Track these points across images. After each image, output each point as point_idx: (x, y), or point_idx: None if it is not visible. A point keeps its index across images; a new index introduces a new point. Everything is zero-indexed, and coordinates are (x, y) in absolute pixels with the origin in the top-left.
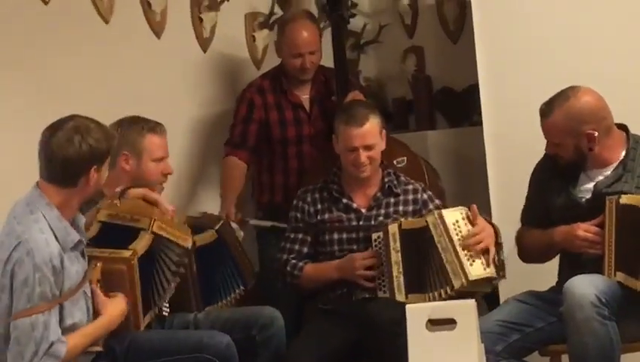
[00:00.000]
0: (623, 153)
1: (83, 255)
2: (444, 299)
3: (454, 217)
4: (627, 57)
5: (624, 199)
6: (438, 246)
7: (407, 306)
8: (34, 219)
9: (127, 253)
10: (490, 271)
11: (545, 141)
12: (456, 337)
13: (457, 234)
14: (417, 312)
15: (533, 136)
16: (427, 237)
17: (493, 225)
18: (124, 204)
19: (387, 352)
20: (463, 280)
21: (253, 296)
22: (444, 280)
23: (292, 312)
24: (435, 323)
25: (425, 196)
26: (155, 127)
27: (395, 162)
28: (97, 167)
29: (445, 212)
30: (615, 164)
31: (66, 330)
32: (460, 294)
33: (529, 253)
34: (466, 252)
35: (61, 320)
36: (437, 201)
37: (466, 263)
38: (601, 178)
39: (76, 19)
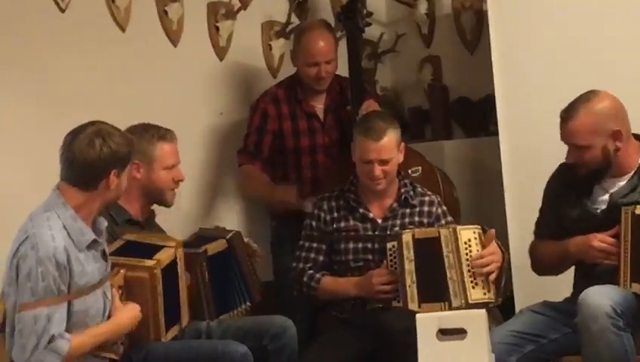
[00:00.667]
0: (639, 162)
1: (105, 257)
2: (457, 308)
3: (467, 236)
4: None
5: (639, 209)
6: (446, 261)
7: (417, 316)
8: (46, 217)
9: (151, 262)
10: (489, 297)
11: (562, 150)
12: (467, 347)
13: (466, 254)
14: (427, 322)
15: (550, 146)
16: (435, 248)
17: (502, 251)
18: (156, 234)
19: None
20: (462, 301)
21: (267, 304)
22: (444, 295)
23: (306, 321)
24: (445, 333)
25: (440, 211)
26: (166, 135)
27: (410, 171)
28: (118, 171)
29: (460, 228)
30: (630, 174)
31: (80, 329)
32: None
33: (543, 265)
34: (470, 273)
35: (75, 316)
36: (449, 218)
37: (469, 285)
38: (615, 188)
39: (93, 27)
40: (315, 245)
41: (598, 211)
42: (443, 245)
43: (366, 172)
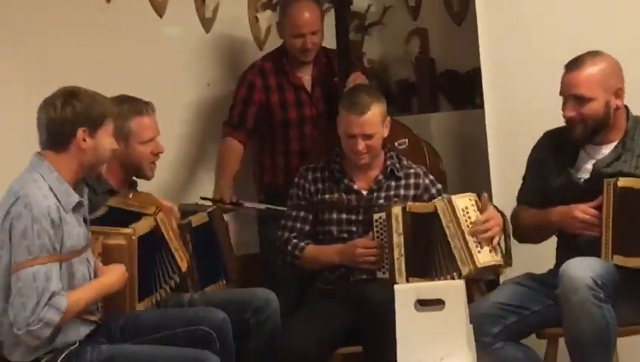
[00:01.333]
0: (624, 131)
1: (86, 223)
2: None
3: (463, 203)
4: (632, 42)
5: (622, 182)
6: (447, 231)
7: (396, 286)
8: (32, 178)
9: (128, 230)
10: (498, 259)
11: (547, 123)
12: (445, 317)
13: (466, 221)
14: (406, 292)
15: (535, 118)
16: (435, 223)
17: (502, 213)
18: (136, 197)
19: (379, 333)
20: (471, 266)
21: (253, 277)
22: (452, 266)
23: (293, 294)
24: (423, 304)
25: (427, 181)
26: (142, 109)
27: (396, 144)
28: (87, 130)
29: (455, 198)
30: (615, 143)
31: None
32: (467, 281)
33: (524, 233)
34: (474, 239)
35: (66, 279)
36: (438, 186)
37: (474, 250)
38: (600, 157)
39: None
40: (301, 214)
41: (582, 180)
42: (441, 217)
43: (350, 146)
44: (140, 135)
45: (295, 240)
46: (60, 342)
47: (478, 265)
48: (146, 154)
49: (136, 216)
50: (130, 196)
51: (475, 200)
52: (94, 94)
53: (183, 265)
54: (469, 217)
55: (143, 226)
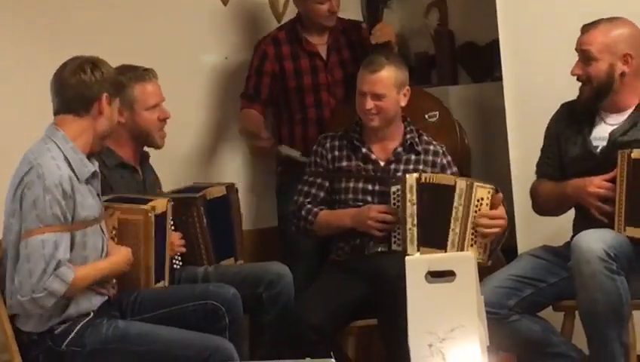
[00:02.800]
0: (639, 99)
1: (99, 196)
2: None
3: (482, 194)
4: None
5: (636, 153)
6: (454, 212)
7: (407, 258)
8: (47, 148)
9: (146, 206)
10: (482, 258)
11: (565, 94)
12: (456, 289)
13: (475, 212)
14: (417, 264)
15: (553, 90)
16: (450, 197)
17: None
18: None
19: (392, 306)
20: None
21: (269, 250)
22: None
23: (311, 267)
24: (434, 275)
25: (445, 161)
26: (144, 75)
27: (426, 116)
28: (109, 95)
29: (477, 184)
30: (631, 110)
31: (78, 261)
32: None
33: (543, 206)
34: (473, 231)
35: (76, 249)
36: (454, 168)
37: (468, 243)
38: (616, 124)
39: None
40: (318, 181)
41: (598, 150)
42: (456, 196)
43: (360, 104)
44: (145, 101)
45: (309, 206)
46: (73, 311)
47: None
48: (152, 121)
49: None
50: None
51: (493, 195)
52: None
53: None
54: (479, 210)
55: (160, 204)
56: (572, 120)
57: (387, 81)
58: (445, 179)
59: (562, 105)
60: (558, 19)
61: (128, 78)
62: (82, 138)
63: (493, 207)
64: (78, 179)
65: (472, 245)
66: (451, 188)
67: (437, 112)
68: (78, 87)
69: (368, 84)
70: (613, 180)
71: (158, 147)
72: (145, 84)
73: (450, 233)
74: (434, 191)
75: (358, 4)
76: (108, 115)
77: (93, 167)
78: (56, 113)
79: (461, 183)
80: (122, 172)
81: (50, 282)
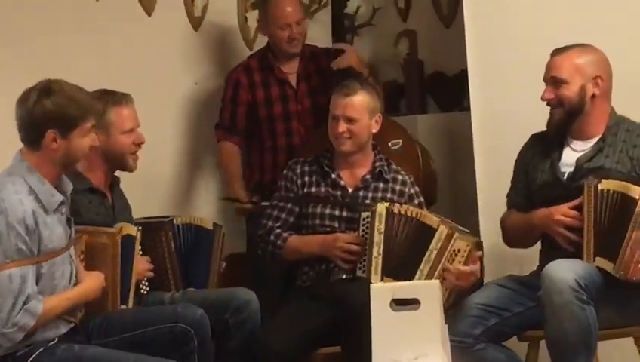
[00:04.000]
0: (606, 126)
1: (69, 223)
2: None
3: (460, 246)
4: (622, 45)
5: (603, 184)
6: (427, 254)
7: (372, 285)
8: (11, 181)
9: (112, 229)
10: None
11: (533, 126)
12: (420, 317)
13: (447, 261)
14: (382, 291)
15: (521, 121)
16: (428, 237)
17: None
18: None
19: (357, 334)
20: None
21: (238, 276)
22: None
23: (278, 293)
24: (399, 303)
25: (412, 191)
26: (121, 99)
27: (390, 144)
28: (57, 131)
29: (458, 237)
30: (597, 138)
31: (47, 292)
32: None
33: (512, 238)
34: (440, 279)
35: (44, 279)
36: (421, 199)
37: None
38: (583, 152)
39: None
40: (287, 206)
41: (565, 176)
42: (434, 239)
43: (332, 128)
44: (120, 125)
45: (278, 230)
46: (39, 338)
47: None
48: (127, 145)
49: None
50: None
51: (471, 250)
52: (74, 93)
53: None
54: (453, 260)
55: (126, 228)
56: (541, 148)
57: (360, 105)
58: (428, 219)
59: (532, 136)
60: (527, 51)
61: (105, 101)
62: (44, 168)
63: (467, 262)
64: (46, 210)
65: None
66: (432, 231)
67: (400, 140)
68: (22, 124)
69: (341, 107)
70: (578, 208)
71: (130, 170)
72: (121, 108)
73: (418, 273)
74: (413, 227)
75: (328, 32)
76: (62, 148)
77: (61, 196)
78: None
79: (443, 229)
80: (91, 197)
81: (20, 317)
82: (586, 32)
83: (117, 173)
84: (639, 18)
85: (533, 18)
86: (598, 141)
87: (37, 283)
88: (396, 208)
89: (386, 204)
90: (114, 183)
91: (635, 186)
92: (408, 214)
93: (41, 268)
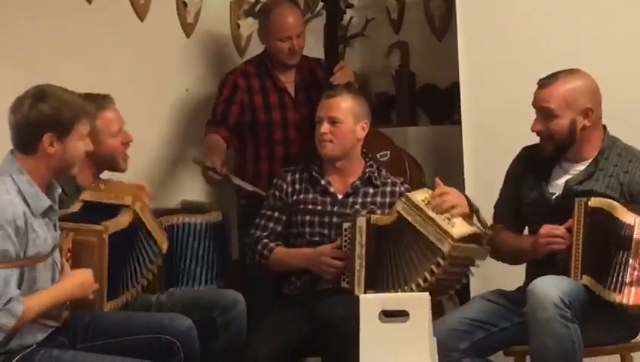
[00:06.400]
0: (599, 150)
1: (55, 227)
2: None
3: (422, 196)
4: (611, 61)
5: (593, 202)
6: (416, 225)
7: (361, 296)
8: (2, 180)
9: (99, 227)
10: (473, 229)
11: (524, 140)
12: (409, 329)
13: (428, 206)
14: (371, 303)
15: (512, 136)
16: (401, 229)
17: (465, 195)
18: (111, 186)
19: (335, 349)
20: (449, 240)
21: (232, 283)
22: (411, 276)
23: (270, 302)
24: (388, 315)
25: (402, 189)
26: (103, 103)
27: (378, 156)
28: (54, 135)
29: (410, 194)
30: (589, 161)
31: (25, 295)
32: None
33: (500, 254)
34: (443, 217)
35: (28, 286)
36: None
37: (447, 226)
38: (573, 173)
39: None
40: (275, 215)
41: (553, 198)
42: (405, 215)
43: (316, 131)
44: (108, 129)
45: (266, 240)
46: (15, 345)
47: (456, 237)
48: (117, 147)
49: (114, 209)
50: (103, 187)
51: (429, 188)
52: (67, 96)
53: (164, 247)
54: (430, 202)
55: (118, 222)
56: (531, 164)
57: (343, 107)
58: (387, 218)
59: (524, 149)
60: (519, 66)
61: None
62: (37, 172)
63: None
64: (33, 213)
65: (452, 226)
66: (398, 220)
67: (388, 152)
68: (17, 129)
69: (325, 109)
70: (569, 229)
71: (122, 170)
72: (105, 112)
73: (430, 237)
74: (384, 233)
75: (320, 43)
76: (59, 153)
77: (49, 201)
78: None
79: (399, 205)
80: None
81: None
82: (579, 48)
83: (109, 174)
84: (632, 34)
85: (526, 33)
86: (590, 164)
87: (19, 286)
88: (373, 219)
89: (366, 217)
90: None
91: (624, 209)
92: (377, 223)
93: (24, 272)
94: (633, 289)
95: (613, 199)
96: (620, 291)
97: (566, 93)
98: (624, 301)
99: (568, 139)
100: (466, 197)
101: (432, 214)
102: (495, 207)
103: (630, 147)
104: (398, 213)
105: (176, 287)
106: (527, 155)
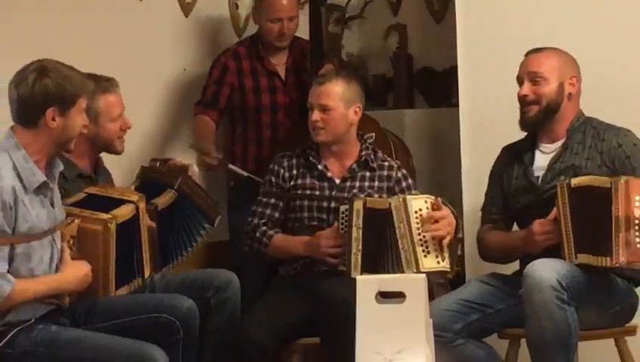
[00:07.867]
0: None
1: (53, 205)
2: None
3: (418, 205)
4: (612, 44)
5: (575, 181)
6: (397, 231)
7: (358, 278)
8: None
9: (106, 216)
10: (443, 265)
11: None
12: (405, 310)
13: (417, 223)
14: (368, 284)
15: (509, 120)
16: (389, 220)
17: (455, 216)
18: (117, 188)
19: (336, 331)
20: (414, 270)
21: (220, 264)
22: (397, 266)
23: (260, 283)
24: (384, 296)
25: (399, 174)
26: (108, 86)
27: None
28: (57, 109)
29: (410, 198)
30: (564, 138)
31: (23, 274)
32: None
33: (491, 255)
34: (422, 242)
35: (17, 261)
36: (410, 181)
37: (420, 254)
38: (552, 153)
39: None
40: (272, 201)
41: (539, 180)
42: (394, 215)
43: (309, 118)
44: (109, 113)
45: (264, 228)
46: (12, 318)
47: (422, 269)
48: (115, 131)
49: (117, 203)
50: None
51: (431, 203)
52: (68, 72)
53: (147, 271)
54: (422, 220)
55: (122, 212)
56: (512, 157)
57: (334, 93)
58: (380, 203)
59: (503, 149)
60: (518, 50)
61: (93, 89)
62: (34, 147)
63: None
64: (25, 188)
65: (425, 256)
66: (387, 211)
67: (373, 134)
68: (20, 102)
69: (315, 95)
70: (555, 217)
71: (118, 153)
72: (108, 95)
73: (402, 252)
74: (376, 216)
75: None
76: (60, 127)
77: (44, 177)
78: (12, 118)
79: (394, 202)
80: (80, 183)
81: None
82: (578, 32)
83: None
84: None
85: (524, 16)
86: (564, 140)
87: (11, 263)
88: (369, 202)
89: (363, 200)
90: (97, 165)
91: (604, 177)
92: (370, 206)
93: (15, 248)
94: (621, 249)
95: (595, 169)
96: (615, 254)
97: (554, 61)
98: (621, 261)
99: (555, 103)
100: (457, 221)
101: (414, 234)
102: (482, 209)
103: (605, 122)
104: (390, 206)
105: (170, 263)
106: (508, 153)
